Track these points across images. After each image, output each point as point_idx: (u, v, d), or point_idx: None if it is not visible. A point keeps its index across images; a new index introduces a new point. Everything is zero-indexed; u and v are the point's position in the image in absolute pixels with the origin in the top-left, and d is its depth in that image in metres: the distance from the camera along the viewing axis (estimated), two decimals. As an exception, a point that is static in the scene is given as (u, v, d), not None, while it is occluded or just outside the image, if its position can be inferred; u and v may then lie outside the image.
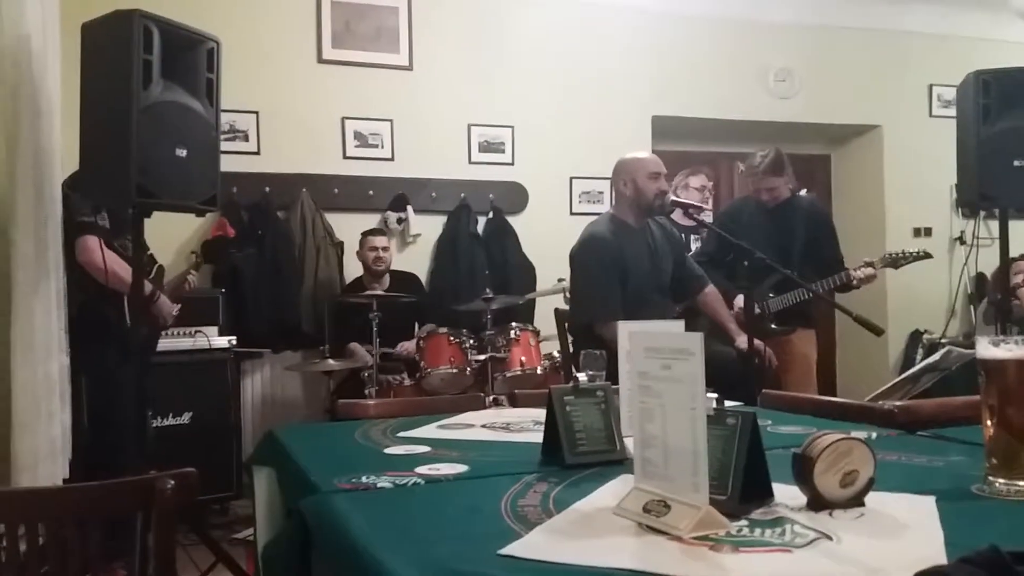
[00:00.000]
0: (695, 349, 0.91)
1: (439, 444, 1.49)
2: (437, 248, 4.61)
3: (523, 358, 3.71)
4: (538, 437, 1.37)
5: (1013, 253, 3.41)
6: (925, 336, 5.29)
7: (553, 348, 3.93)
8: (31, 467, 2.20)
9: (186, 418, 3.56)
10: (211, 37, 2.40)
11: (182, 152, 2.28)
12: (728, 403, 1.44)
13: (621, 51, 4.94)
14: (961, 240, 5.41)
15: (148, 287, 2.68)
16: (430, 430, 1.69)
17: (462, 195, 4.61)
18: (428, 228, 4.59)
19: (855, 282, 3.34)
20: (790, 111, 5.24)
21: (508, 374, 3.67)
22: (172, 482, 1.20)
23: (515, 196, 4.76)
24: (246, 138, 4.31)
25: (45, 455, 2.24)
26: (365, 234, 4.22)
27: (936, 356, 2.43)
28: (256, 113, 4.32)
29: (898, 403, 1.71)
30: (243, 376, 4.12)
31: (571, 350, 3.59)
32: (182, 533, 2.46)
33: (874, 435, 1.44)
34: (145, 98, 2.19)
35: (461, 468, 1.25)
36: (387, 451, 1.45)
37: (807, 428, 1.48)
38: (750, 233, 3.29)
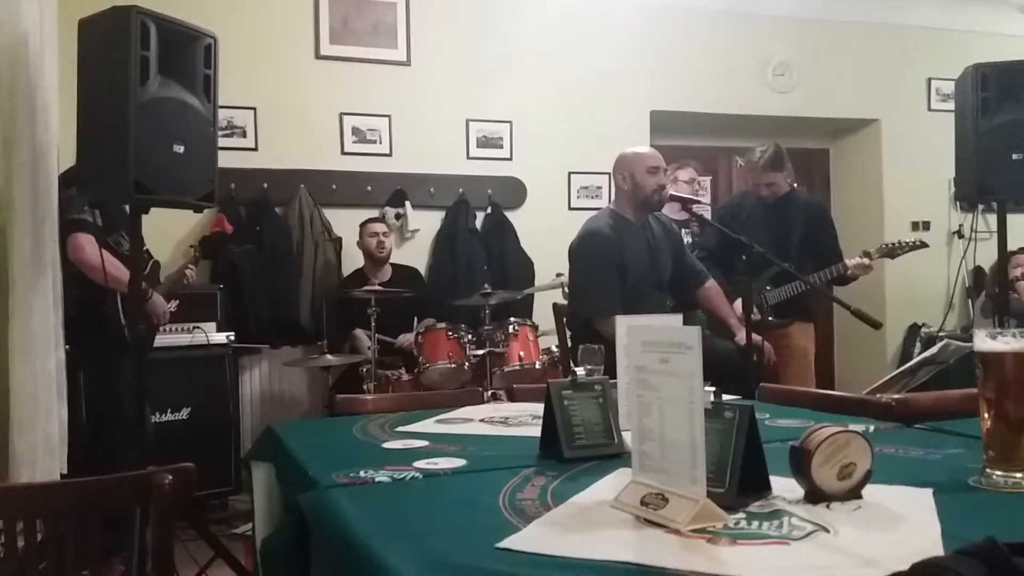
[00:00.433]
0: (693, 343, 0.91)
1: (437, 438, 1.49)
2: (435, 243, 4.61)
3: (521, 353, 3.72)
4: (536, 431, 1.37)
5: (1011, 246, 3.41)
6: (923, 330, 5.30)
7: (552, 343, 3.93)
8: (30, 463, 2.20)
9: (184, 414, 3.57)
10: (208, 33, 2.39)
11: (180, 148, 2.28)
12: (726, 397, 1.44)
13: (619, 45, 4.93)
14: (959, 234, 5.42)
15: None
16: (428, 425, 1.69)
17: (460, 190, 4.60)
18: (426, 224, 4.59)
19: (850, 272, 3.34)
20: (788, 105, 5.23)
21: (506, 369, 3.67)
22: (170, 477, 1.20)
23: (513, 191, 4.76)
24: (244, 134, 4.31)
25: (43, 451, 2.24)
26: (364, 223, 4.22)
27: (934, 349, 2.43)
28: (254, 109, 4.31)
29: (896, 396, 1.71)
30: (242, 372, 4.12)
31: (569, 345, 3.59)
32: (180, 528, 2.46)
33: (872, 428, 1.44)
34: (142, 94, 2.18)
35: (459, 462, 1.25)
36: (385, 446, 1.45)
37: (805, 421, 1.48)
38: (750, 228, 3.30)
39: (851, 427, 1.00)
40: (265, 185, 4.27)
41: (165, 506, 1.20)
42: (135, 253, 2.39)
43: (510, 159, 4.76)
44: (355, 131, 4.51)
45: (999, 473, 1.02)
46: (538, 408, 1.43)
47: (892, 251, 3.42)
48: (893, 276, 5.24)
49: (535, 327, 3.87)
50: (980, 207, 3.45)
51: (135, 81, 2.16)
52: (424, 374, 3.69)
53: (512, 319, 3.82)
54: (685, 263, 3.27)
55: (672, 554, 0.80)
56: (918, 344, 5.17)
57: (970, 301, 5.42)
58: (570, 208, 4.80)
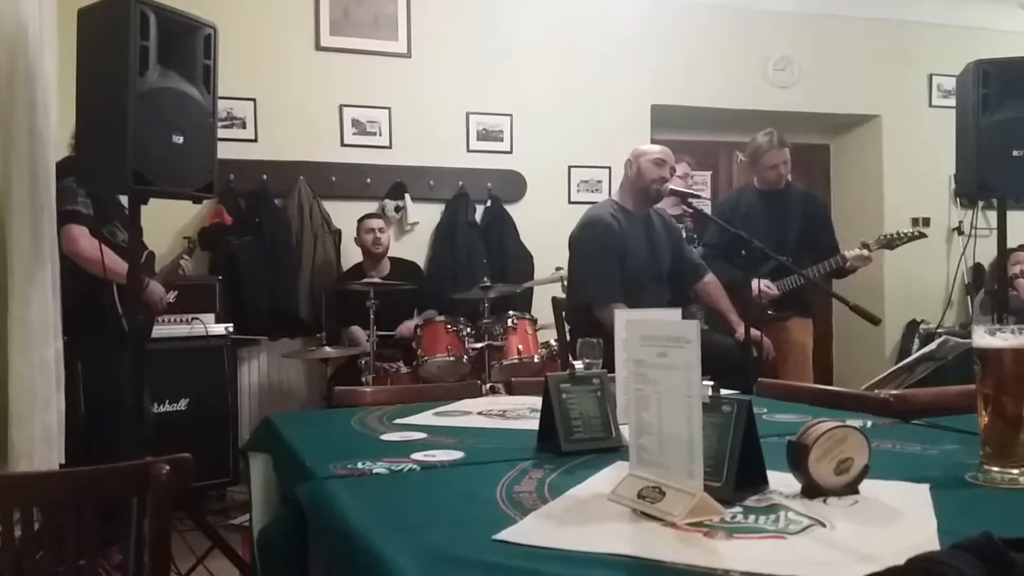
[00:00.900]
0: (691, 337, 0.91)
1: (435, 431, 1.49)
2: (435, 236, 4.60)
3: (520, 346, 3.72)
4: (534, 424, 1.37)
5: (1011, 243, 3.41)
6: (922, 326, 5.30)
7: (550, 337, 3.93)
8: (27, 454, 2.20)
9: (183, 404, 3.57)
10: (208, 23, 2.38)
11: (179, 139, 2.27)
12: (724, 392, 1.44)
13: (620, 39, 4.91)
14: (959, 230, 5.41)
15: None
16: (426, 417, 1.69)
17: (460, 183, 4.60)
18: (426, 216, 4.58)
19: (849, 263, 3.34)
20: (789, 100, 5.22)
21: (505, 362, 3.67)
22: (167, 467, 1.20)
23: (513, 185, 4.75)
24: (244, 125, 4.30)
25: (41, 442, 2.24)
26: (361, 219, 4.22)
27: (932, 345, 2.43)
28: (254, 100, 4.30)
29: (894, 392, 1.71)
30: (240, 363, 4.12)
31: (568, 338, 3.59)
32: (178, 519, 2.46)
33: (869, 423, 1.44)
34: (142, 84, 2.17)
35: (457, 454, 1.25)
36: (383, 437, 1.45)
37: (802, 416, 1.48)
38: (748, 222, 3.29)
39: (848, 422, 1.00)
40: (264, 177, 4.26)
41: (162, 496, 1.20)
42: (134, 244, 2.38)
43: (510, 152, 4.75)
44: (355, 123, 4.50)
45: (996, 469, 1.02)
46: (536, 401, 1.44)
47: (891, 242, 3.42)
48: (892, 272, 5.24)
49: (534, 321, 3.87)
50: (980, 203, 3.45)
51: (134, 71, 2.15)
52: (423, 367, 3.69)
53: (511, 312, 3.82)
54: (684, 257, 3.28)
55: (669, 547, 0.80)
56: (916, 340, 5.17)
57: (969, 298, 5.42)
58: (570, 202, 4.79)
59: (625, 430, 1.18)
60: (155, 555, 1.20)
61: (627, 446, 1.04)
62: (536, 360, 3.72)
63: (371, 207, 4.41)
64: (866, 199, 5.59)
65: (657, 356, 0.95)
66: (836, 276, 3.44)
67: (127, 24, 2.15)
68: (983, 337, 1.04)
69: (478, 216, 4.64)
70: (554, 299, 3.91)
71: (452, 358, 3.67)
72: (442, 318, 3.79)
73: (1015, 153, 2.81)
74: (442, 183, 4.59)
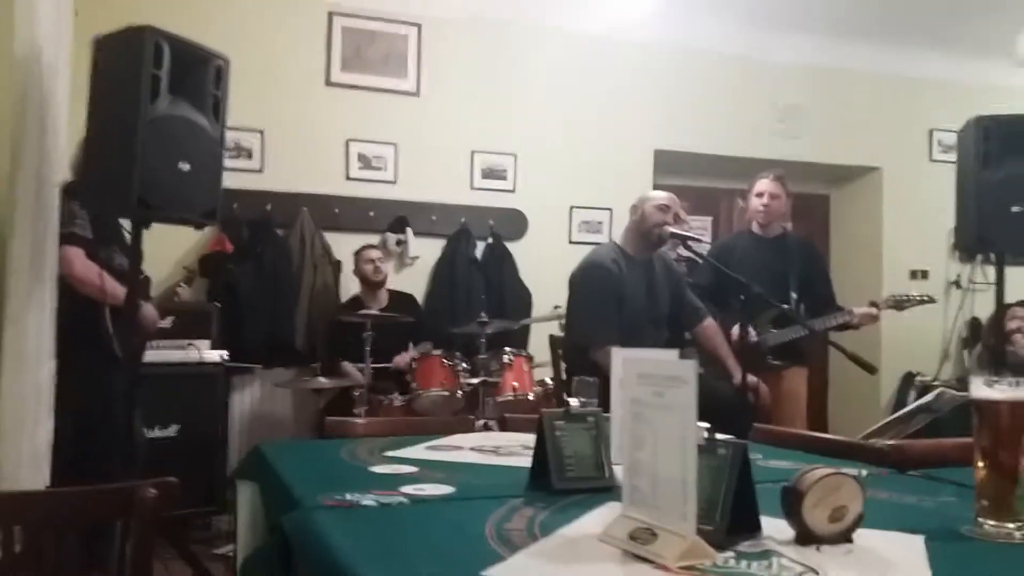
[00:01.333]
0: (688, 377, 0.91)
1: (426, 465, 1.48)
2: (435, 271, 4.61)
3: (515, 383, 3.70)
4: (527, 461, 1.35)
5: (1009, 298, 3.41)
6: (918, 378, 5.29)
7: (546, 375, 3.92)
8: (12, 475, 2.18)
9: (173, 430, 3.53)
10: (220, 55, 2.42)
11: (185, 166, 2.29)
12: (720, 437, 1.43)
13: (626, 85, 4.99)
14: (957, 284, 5.43)
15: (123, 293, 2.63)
16: (418, 450, 1.67)
17: (462, 220, 4.62)
18: (427, 251, 4.60)
19: (856, 320, 3.34)
20: (791, 150, 5.28)
21: (500, 399, 3.65)
22: (154, 491, 1.18)
23: (515, 223, 4.78)
24: (250, 156, 4.33)
25: (28, 462, 2.21)
26: (359, 250, 4.24)
27: (929, 397, 2.41)
28: (261, 132, 4.34)
29: (890, 442, 1.70)
30: (233, 391, 4.09)
31: (564, 377, 3.58)
32: (161, 546, 2.42)
33: (865, 473, 1.43)
34: (152, 111, 2.20)
35: (447, 489, 1.24)
36: (373, 469, 1.43)
37: (797, 463, 1.47)
38: (744, 267, 3.29)
39: (844, 471, 0.99)
40: (268, 207, 4.29)
41: (147, 520, 1.18)
42: (134, 267, 2.38)
43: (513, 191, 4.79)
44: (361, 157, 4.54)
45: (991, 523, 1.00)
46: (529, 439, 1.42)
47: (900, 304, 3.42)
48: (889, 325, 5.21)
49: (530, 358, 3.86)
50: (979, 258, 3.46)
51: (145, 98, 2.18)
52: (416, 401, 3.67)
53: (508, 349, 3.81)
54: (684, 301, 3.28)
55: (659, 590, 0.78)
56: (912, 392, 5.16)
57: (966, 352, 5.41)
58: (571, 242, 4.82)
59: (618, 470, 1.17)
60: (136, 580, 1.18)
61: (620, 486, 1.03)
62: (531, 398, 3.70)
63: (373, 240, 4.43)
64: (865, 250, 5.61)
65: (653, 395, 0.95)
66: (837, 330, 3.44)
67: (141, 53, 2.18)
68: (981, 388, 1.04)
69: (479, 252, 4.66)
70: (551, 337, 3.91)
71: (446, 393, 3.65)
72: (438, 352, 3.78)
73: (1014, 209, 2.83)
74: (444, 219, 4.61)
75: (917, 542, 0.96)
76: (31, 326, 2.25)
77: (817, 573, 0.84)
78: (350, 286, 4.37)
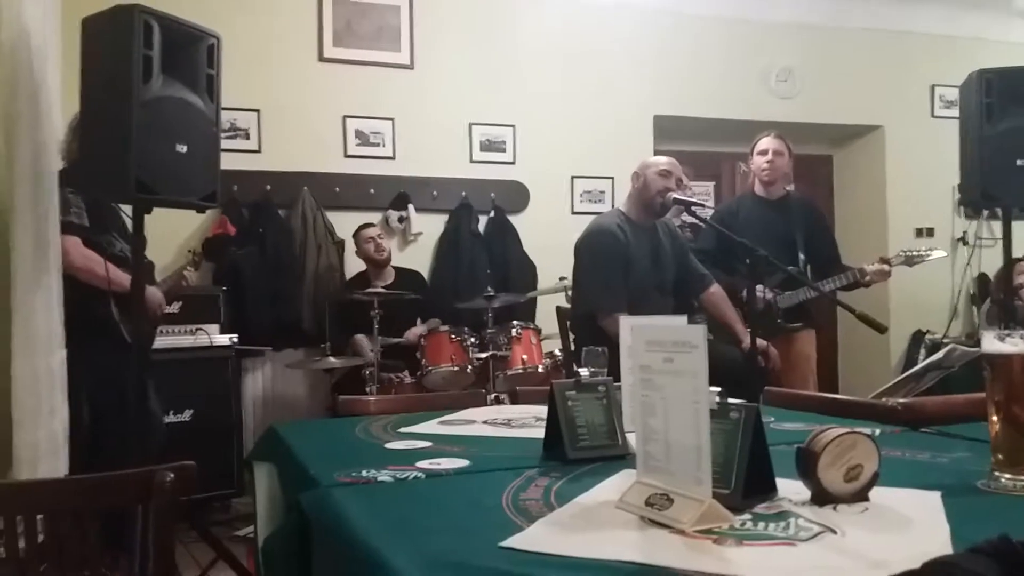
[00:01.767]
0: (698, 342, 0.91)
1: (440, 439, 1.49)
2: (438, 247, 4.61)
3: (524, 356, 3.71)
4: (540, 433, 1.36)
5: (1016, 253, 3.40)
6: (927, 336, 5.29)
7: (554, 347, 3.92)
8: (31, 463, 2.20)
9: (187, 415, 3.56)
10: (212, 33, 2.39)
11: (182, 148, 2.27)
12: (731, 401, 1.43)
13: (623, 50, 4.93)
14: (963, 240, 5.40)
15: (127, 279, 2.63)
16: (431, 426, 1.68)
17: (463, 194, 4.60)
18: (429, 227, 4.58)
19: (868, 277, 3.32)
20: (792, 111, 5.23)
21: (509, 372, 3.66)
22: (171, 475, 1.19)
23: (516, 195, 4.76)
24: (247, 136, 4.31)
25: (45, 451, 2.23)
26: (356, 231, 4.23)
27: (940, 354, 2.41)
28: (257, 111, 4.31)
29: (902, 400, 1.70)
30: (244, 374, 4.11)
31: (572, 348, 3.58)
32: (182, 530, 2.45)
33: (878, 432, 1.43)
34: (145, 93, 2.17)
35: (462, 463, 1.25)
36: (388, 446, 1.44)
37: (810, 424, 1.47)
38: (748, 229, 3.27)
39: (857, 429, 0.99)
40: (268, 187, 4.27)
41: (166, 504, 1.19)
42: (138, 253, 2.38)
43: (513, 163, 4.76)
44: (358, 134, 4.51)
45: (1007, 476, 1.01)
46: (541, 410, 1.43)
47: (911, 259, 3.40)
48: (897, 283, 5.19)
49: (538, 330, 3.86)
50: (985, 213, 3.44)
51: (138, 80, 2.15)
52: (427, 377, 3.69)
53: (515, 322, 3.81)
54: (690, 268, 3.27)
55: (677, 554, 0.79)
56: (922, 350, 5.16)
57: (974, 308, 5.40)
58: (573, 212, 4.80)
59: (631, 438, 1.17)
60: (159, 564, 1.19)
61: (633, 454, 1.04)
62: (541, 370, 3.71)
63: (375, 217, 4.41)
64: (869, 210, 5.58)
65: (663, 362, 0.94)
66: (847, 289, 3.42)
67: (131, 33, 2.15)
68: (992, 343, 1.03)
69: (481, 226, 4.64)
70: (558, 309, 3.90)
71: (456, 368, 3.66)
72: (446, 328, 3.79)
73: (1019, 162, 2.80)
74: (445, 193, 4.59)
75: (934, 498, 0.96)
76: (39, 311, 2.25)
77: (835, 532, 0.84)
78: (355, 265, 4.36)
